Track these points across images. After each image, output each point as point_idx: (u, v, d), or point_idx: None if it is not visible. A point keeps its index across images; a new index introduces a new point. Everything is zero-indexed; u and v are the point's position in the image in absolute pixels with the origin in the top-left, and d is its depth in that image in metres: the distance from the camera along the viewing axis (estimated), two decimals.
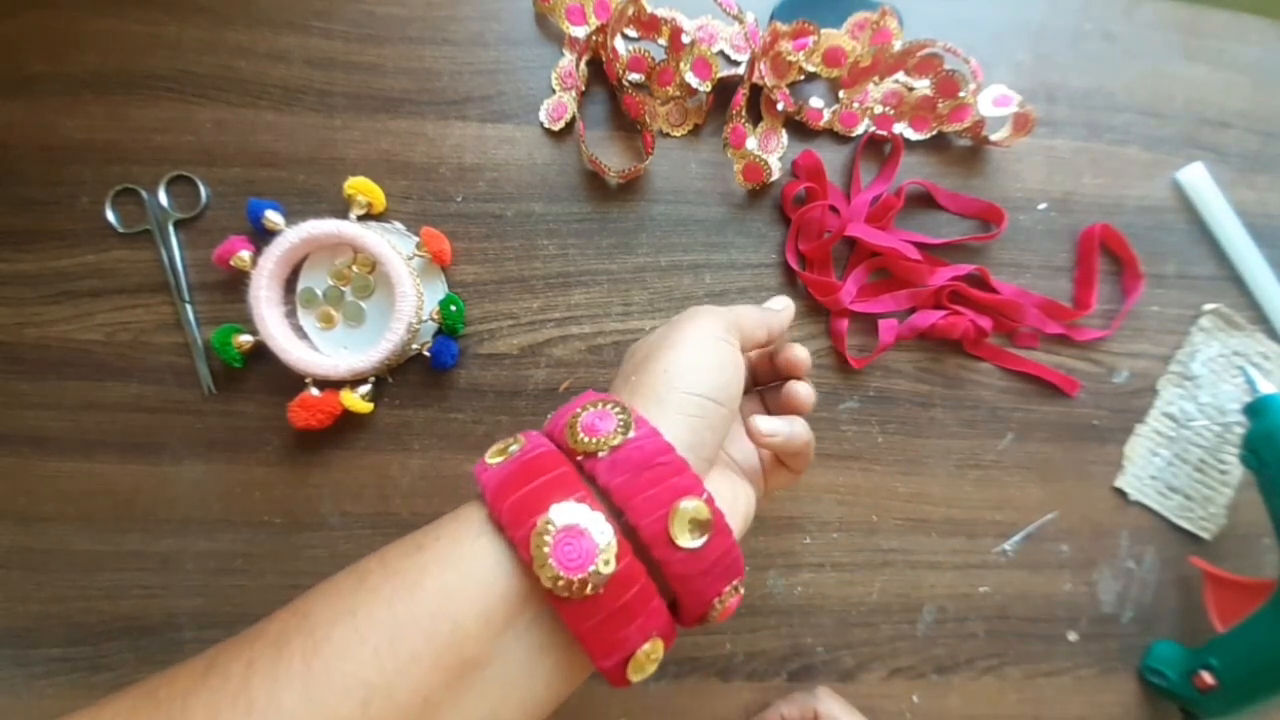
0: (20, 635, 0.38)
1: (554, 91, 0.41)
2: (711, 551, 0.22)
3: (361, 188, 0.38)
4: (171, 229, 0.39)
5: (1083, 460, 0.44)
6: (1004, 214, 0.42)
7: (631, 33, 0.42)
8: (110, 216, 0.39)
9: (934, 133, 0.43)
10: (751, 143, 0.42)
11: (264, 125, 0.40)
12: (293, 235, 0.37)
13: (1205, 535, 0.45)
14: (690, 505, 0.22)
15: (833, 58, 0.41)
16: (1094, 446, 0.44)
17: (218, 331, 0.37)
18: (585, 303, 0.41)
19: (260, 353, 0.38)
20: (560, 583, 0.20)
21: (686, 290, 0.42)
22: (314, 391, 0.38)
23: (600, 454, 0.22)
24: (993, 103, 0.42)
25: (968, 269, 0.42)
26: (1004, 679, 0.43)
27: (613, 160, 0.42)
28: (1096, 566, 0.44)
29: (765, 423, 0.28)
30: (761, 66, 0.40)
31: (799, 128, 0.43)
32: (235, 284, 0.38)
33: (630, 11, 0.39)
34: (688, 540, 0.21)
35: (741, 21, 0.39)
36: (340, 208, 0.39)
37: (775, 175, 0.41)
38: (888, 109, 0.43)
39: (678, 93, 0.41)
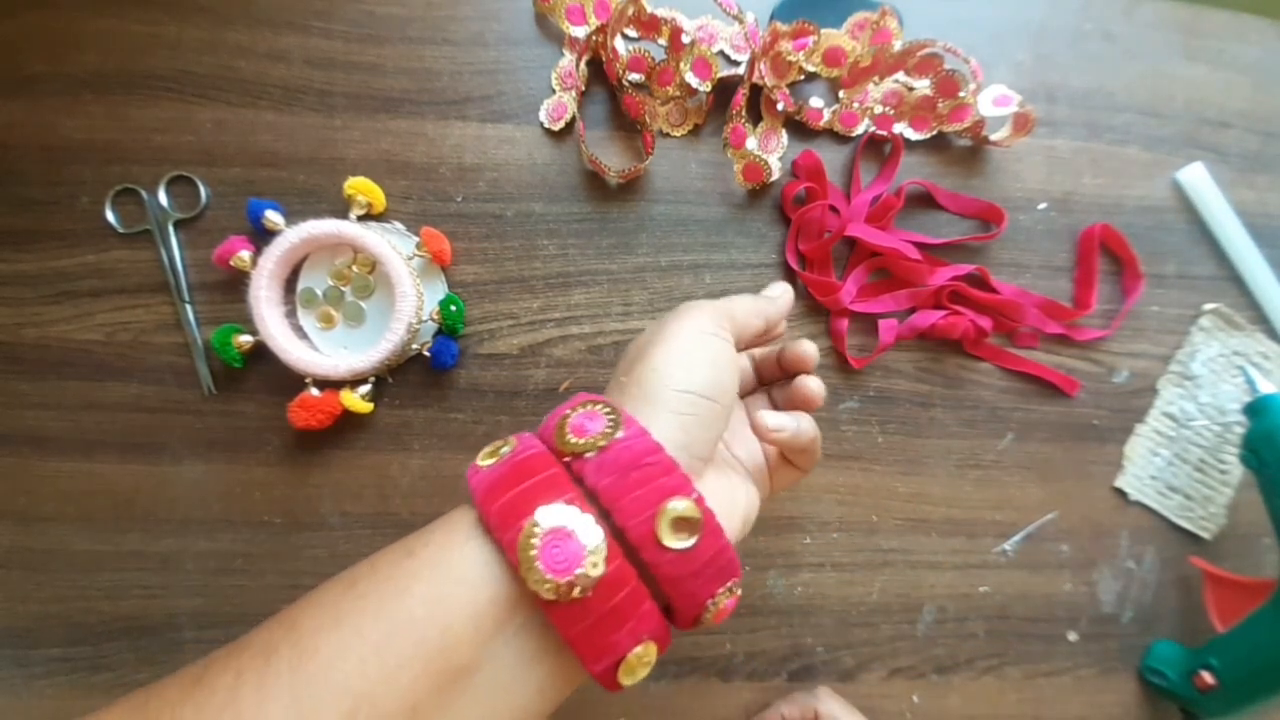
0: (20, 635, 0.38)
1: (554, 91, 0.41)
2: (702, 552, 0.22)
3: (361, 188, 0.38)
4: (171, 229, 0.39)
5: (1083, 460, 0.44)
6: (1004, 214, 0.42)
7: (631, 33, 0.42)
8: (110, 216, 0.39)
9: (934, 133, 0.43)
10: (751, 143, 0.42)
11: (264, 125, 0.40)
12: (293, 235, 0.37)
13: (1205, 535, 0.45)
14: (679, 505, 0.21)
15: (833, 58, 0.41)
16: (1094, 446, 0.44)
17: (218, 331, 0.37)
18: (585, 303, 0.41)
19: (260, 353, 0.38)
20: (547, 586, 0.19)
21: (686, 290, 0.42)
22: (314, 391, 0.38)
23: (588, 455, 0.22)
24: (993, 103, 0.42)
25: (968, 269, 0.42)
26: (1004, 679, 0.43)
27: (613, 160, 0.42)
28: (1096, 566, 0.44)
29: (772, 418, 0.28)
30: (761, 66, 0.40)
31: (799, 128, 0.43)
32: (235, 284, 0.38)
33: (630, 11, 0.39)
34: (676, 541, 0.21)
35: (741, 21, 0.39)
36: (340, 208, 0.39)
37: (775, 175, 0.41)
38: (888, 109, 0.43)
39: (678, 93, 0.41)
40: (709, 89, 0.41)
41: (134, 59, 0.39)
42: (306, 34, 0.40)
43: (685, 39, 0.40)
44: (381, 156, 0.40)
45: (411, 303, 0.37)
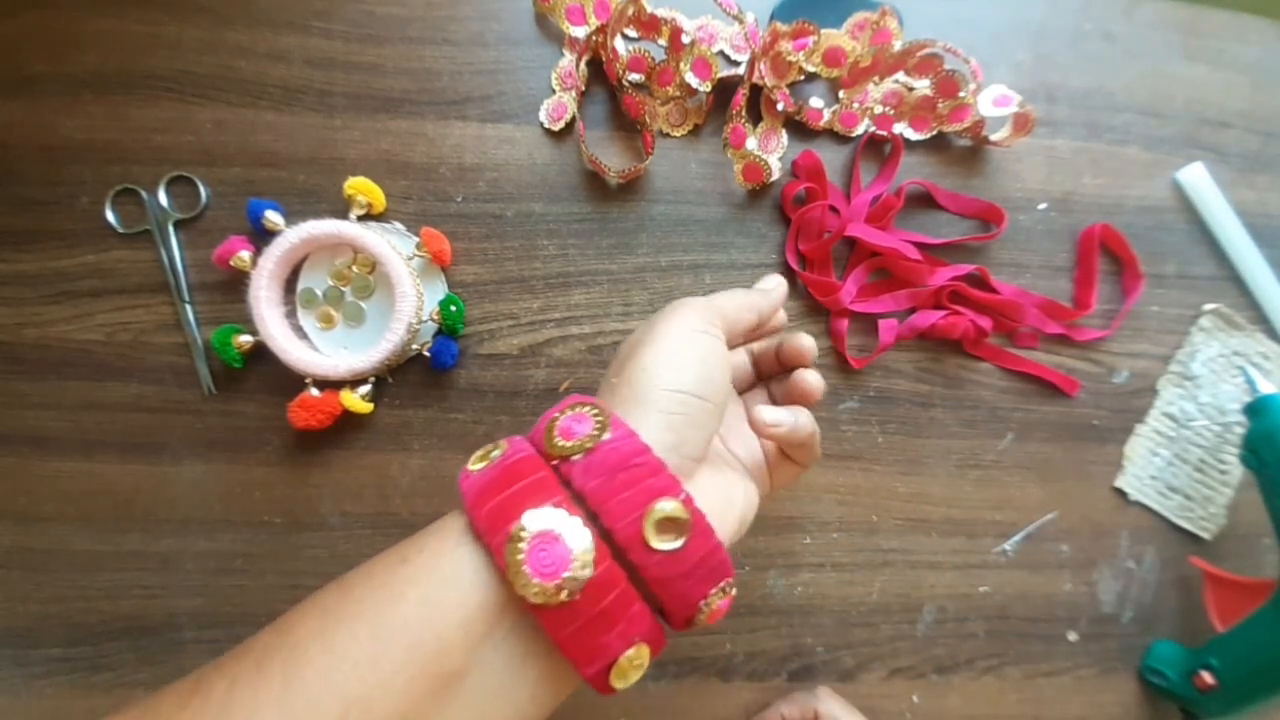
0: (20, 635, 0.38)
1: (554, 91, 0.41)
2: (692, 553, 0.21)
3: (361, 188, 0.38)
4: (171, 229, 0.39)
5: (1083, 460, 0.44)
6: (1004, 214, 0.42)
7: (631, 33, 0.42)
8: (110, 216, 0.39)
9: (934, 133, 0.43)
10: (751, 143, 0.42)
11: (264, 125, 0.40)
12: (293, 235, 0.37)
13: (1205, 535, 0.45)
14: (666, 506, 0.21)
15: (833, 58, 0.41)
16: (1094, 446, 0.44)
17: (218, 331, 0.37)
18: (585, 303, 0.41)
19: (260, 353, 0.38)
20: (534, 589, 0.19)
21: (686, 290, 0.42)
22: (314, 391, 0.38)
23: (575, 458, 0.22)
24: (993, 103, 0.42)
25: (968, 269, 0.42)
26: (1004, 679, 0.43)
27: (613, 160, 0.42)
28: (1096, 566, 0.44)
29: (769, 413, 0.27)
30: (761, 66, 0.40)
31: (799, 128, 0.43)
32: (235, 284, 0.38)
33: (630, 11, 0.39)
34: (664, 542, 0.21)
35: (741, 21, 0.39)
36: (340, 208, 0.39)
37: (775, 175, 0.41)
38: (888, 109, 0.43)
39: (678, 93, 0.41)
40: (709, 89, 0.41)
41: (134, 59, 0.39)
42: (306, 34, 0.40)
43: (685, 39, 0.40)
44: (381, 156, 0.40)
45: (411, 303, 0.37)
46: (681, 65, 0.40)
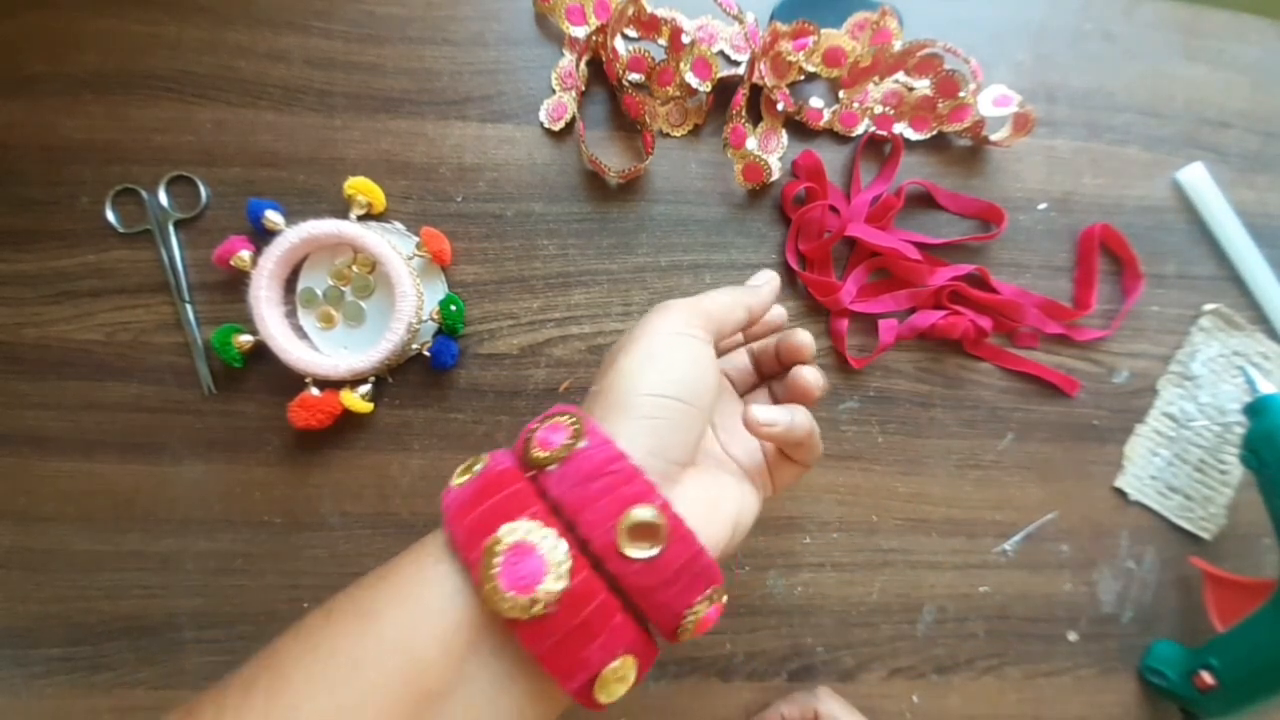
0: (20, 635, 0.38)
1: (554, 91, 0.41)
2: (671, 560, 0.21)
3: (361, 188, 0.38)
4: (171, 229, 0.39)
5: (1083, 460, 0.44)
6: (1004, 214, 0.42)
7: (631, 33, 0.42)
8: (110, 216, 0.39)
9: (934, 133, 0.43)
10: (751, 143, 0.42)
11: (264, 125, 0.40)
12: (293, 235, 0.37)
13: (1205, 535, 0.45)
14: (641, 513, 0.20)
15: (833, 58, 0.41)
16: (1094, 446, 0.44)
17: (218, 331, 0.37)
18: (585, 303, 0.41)
19: (260, 353, 0.38)
20: (508, 604, 0.19)
21: (686, 290, 0.42)
22: (314, 391, 0.38)
23: (551, 468, 0.21)
24: (993, 103, 0.42)
25: (968, 269, 0.42)
26: (1004, 679, 0.43)
27: (613, 160, 0.42)
28: (1096, 566, 0.44)
29: (762, 412, 0.26)
30: (761, 66, 0.40)
31: (799, 128, 0.43)
32: (235, 284, 0.38)
33: (630, 11, 0.39)
34: (638, 550, 0.20)
35: (741, 21, 0.39)
36: (340, 208, 0.39)
37: (775, 175, 0.41)
38: (888, 109, 0.43)
39: (678, 93, 0.41)
40: (709, 89, 0.41)
41: (134, 59, 0.39)
42: (306, 34, 0.40)
43: (685, 39, 0.40)
44: (381, 156, 0.40)
45: (411, 303, 0.37)
46: (681, 65, 0.40)
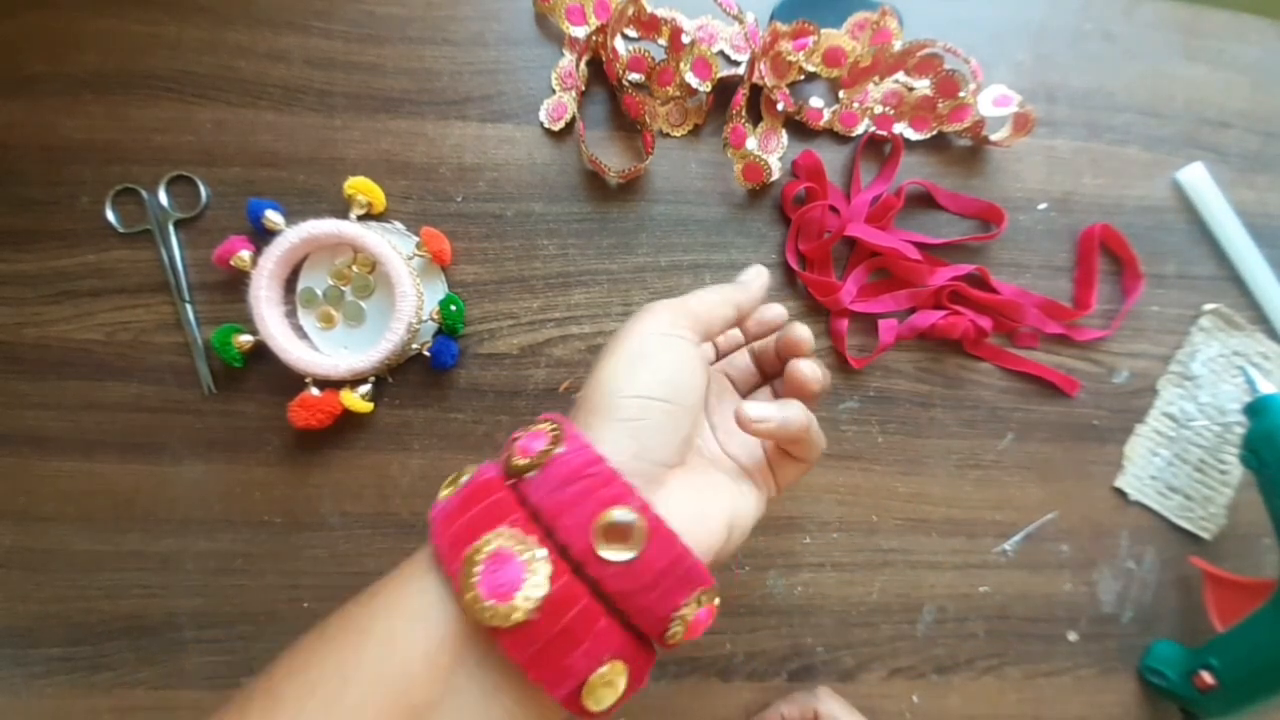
0: (20, 635, 0.38)
1: (554, 91, 0.41)
2: (651, 562, 0.20)
3: (361, 188, 0.38)
4: (171, 229, 0.39)
5: (1083, 460, 0.44)
6: (1004, 214, 0.42)
7: (631, 33, 0.42)
8: (110, 216, 0.39)
9: (934, 133, 0.43)
10: (751, 143, 0.42)
11: (264, 125, 0.40)
12: (293, 235, 0.37)
13: (1205, 535, 0.45)
14: (617, 515, 0.20)
15: (833, 58, 0.41)
16: (1094, 446, 0.44)
17: (218, 331, 0.37)
18: (585, 303, 0.41)
19: (260, 353, 0.38)
20: (488, 612, 0.19)
21: (686, 290, 0.41)
22: (314, 391, 0.38)
23: (530, 474, 0.21)
24: (993, 103, 0.42)
25: (968, 269, 0.42)
26: (1004, 679, 0.43)
27: (613, 160, 0.42)
28: (1096, 566, 0.44)
29: (754, 409, 0.25)
30: (761, 66, 0.40)
31: (799, 128, 0.43)
32: (235, 284, 0.38)
33: (630, 11, 0.39)
34: (614, 553, 0.20)
35: (741, 21, 0.39)
36: (340, 208, 0.39)
37: (775, 175, 0.41)
38: (888, 109, 0.43)
39: (678, 93, 0.41)
40: (709, 89, 0.41)
41: (134, 59, 0.39)
42: (306, 34, 0.40)
43: (685, 39, 0.40)
44: (381, 156, 0.40)
45: (411, 303, 0.37)
46: (681, 65, 0.40)
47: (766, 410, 0.26)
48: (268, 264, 0.37)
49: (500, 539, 0.20)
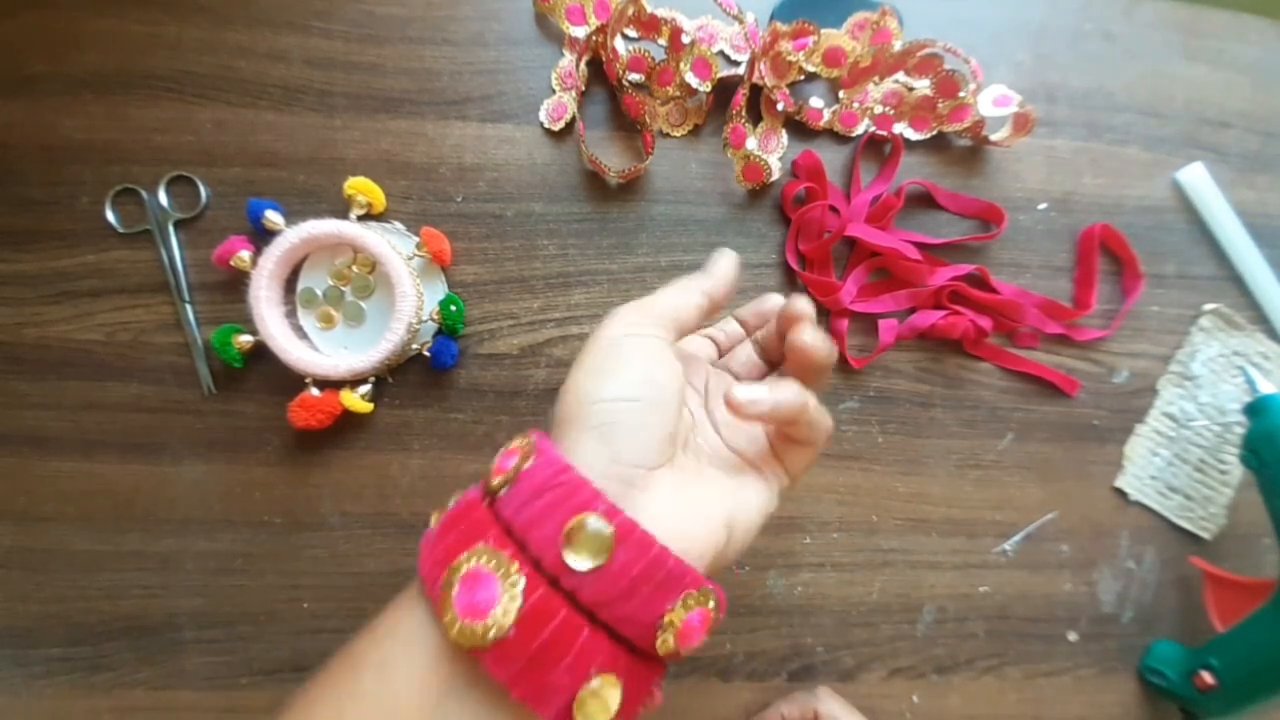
0: (20, 635, 0.38)
1: (554, 91, 0.41)
2: (625, 568, 0.20)
3: (361, 188, 0.38)
4: (171, 229, 0.39)
5: (1083, 460, 0.44)
6: (1004, 214, 0.42)
7: (631, 33, 0.42)
8: (110, 216, 0.39)
9: (934, 133, 0.43)
10: (751, 143, 0.42)
11: (264, 125, 0.40)
12: (293, 235, 0.37)
13: (1205, 535, 0.45)
14: (585, 523, 0.19)
15: (833, 58, 0.41)
16: (1094, 446, 0.44)
17: (218, 331, 0.37)
18: (585, 303, 0.41)
19: (260, 353, 0.38)
20: (466, 632, 0.19)
21: None
22: (314, 391, 0.38)
23: (502, 491, 0.21)
24: (993, 103, 0.42)
25: (968, 269, 0.42)
26: (1004, 679, 0.43)
27: (613, 160, 0.42)
28: (1096, 566, 0.44)
29: (742, 391, 0.24)
30: (761, 66, 0.40)
31: (799, 128, 0.43)
32: (235, 284, 0.38)
33: (630, 11, 0.39)
34: (581, 561, 0.19)
35: (741, 21, 0.39)
36: (340, 208, 0.39)
37: (775, 175, 0.41)
38: (888, 109, 0.43)
39: (678, 93, 0.41)
40: (709, 89, 0.41)
41: (134, 59, 0.39)
42: (306, 34, 0.40)
43: (685, 39, 0.40)
44: (381, 156, 0.40)
45: (411, 303, 0.37)
46: (681, 65, 0.40)
47: (757, 392, 0.24)
48: (268, 264, 0.37)
49: (476, 558, 0.20)
